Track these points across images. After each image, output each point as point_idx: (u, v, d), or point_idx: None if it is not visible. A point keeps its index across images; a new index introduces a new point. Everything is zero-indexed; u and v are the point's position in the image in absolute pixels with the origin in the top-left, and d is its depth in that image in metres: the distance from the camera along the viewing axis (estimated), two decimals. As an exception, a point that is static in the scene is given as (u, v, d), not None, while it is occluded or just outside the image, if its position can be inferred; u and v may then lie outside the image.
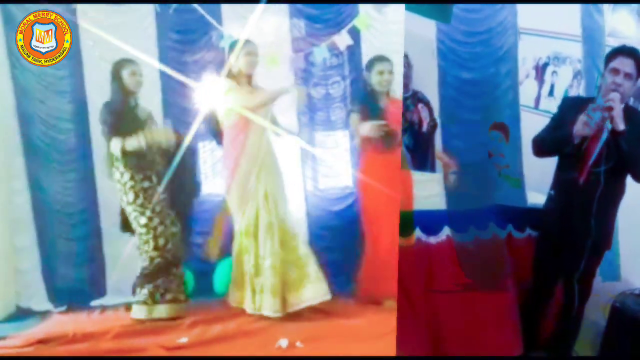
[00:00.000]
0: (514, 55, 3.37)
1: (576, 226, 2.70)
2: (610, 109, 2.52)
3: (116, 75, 3.51)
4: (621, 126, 2.52)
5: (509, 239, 3.22)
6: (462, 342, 3.00)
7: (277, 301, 3.42)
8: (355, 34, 4.03)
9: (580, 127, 2.60)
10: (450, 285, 3.09)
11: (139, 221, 3.52)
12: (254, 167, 3.49)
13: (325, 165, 4.20)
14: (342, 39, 4.02)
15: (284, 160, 3.66)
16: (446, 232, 3.17)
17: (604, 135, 2.59)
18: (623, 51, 2.66)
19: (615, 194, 2.73)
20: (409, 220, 3.13)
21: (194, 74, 4.06)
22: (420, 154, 3.72)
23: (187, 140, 3.49)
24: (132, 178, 3.49)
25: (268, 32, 4.02)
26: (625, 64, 2.61)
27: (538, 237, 3.02)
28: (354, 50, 4.08)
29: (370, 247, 3.66)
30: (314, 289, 3.51)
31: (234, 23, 4.02)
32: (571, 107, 2.85)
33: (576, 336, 2.91)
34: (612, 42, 3.16)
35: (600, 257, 2.84)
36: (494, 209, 3.24)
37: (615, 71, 2.62)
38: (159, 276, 3.55)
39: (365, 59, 4.05)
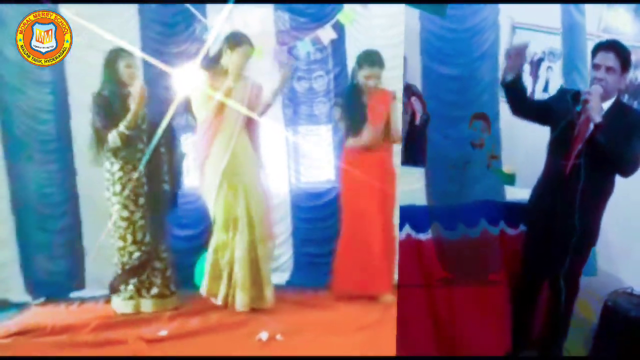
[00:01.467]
0: (495, 52, 3.40)
1: (560, 222, 2.70)
2: (586, 101, 2.55)
3: (111, 65, 3.48)
4: (597, 119, 2.52)
5: (502, 236, 3.17)
6: (447, 338, 2.99)
7: (245, 296, 3.41)
8: (339, 28, 4.02)
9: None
10: (429, 280, 3.08)
11: (120, 214, 3.49)
12: (222, 160, 3.42)
13: (309, 159, 4.21)
14: (326, 33, 4.01)
15: (264, 153, 3.64)
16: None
17: (590, 128, 2.60)
18: (603, 45, 2.67)
19: (600, 189, 2.71)
20: None
21: (176, 66, 4.06)
22: (413, 148, 3.72)
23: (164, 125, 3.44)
24: (121, 168, 3.46)
25: (252, 24, 4.01)
26: (606, 58, 2.61)
27: (525, 233, 3.01)
28: (338, 45, 4.07)
29: (352, 242, 3.66)
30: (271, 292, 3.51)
31: (218, 15, 4.00)
32: (562, 97, 2.86)
33: (565, 335, 2.87)
34: (607, 38, 3.15)
35: (586, 254, 2.83)
36: (485, 205, 3.20)
37: (597, 66, 2.63)
38: (140, 271, 3.53)
39: (349, 53, 4.05)
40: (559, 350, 2.88)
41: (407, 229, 3.04)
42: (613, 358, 2.88)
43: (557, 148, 2.75)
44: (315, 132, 4.22)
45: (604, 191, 2.73)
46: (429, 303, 3.01)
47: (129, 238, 3.50)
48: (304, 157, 4.23)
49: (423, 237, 3.05)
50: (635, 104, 3.42)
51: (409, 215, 3.06)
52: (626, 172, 2.66)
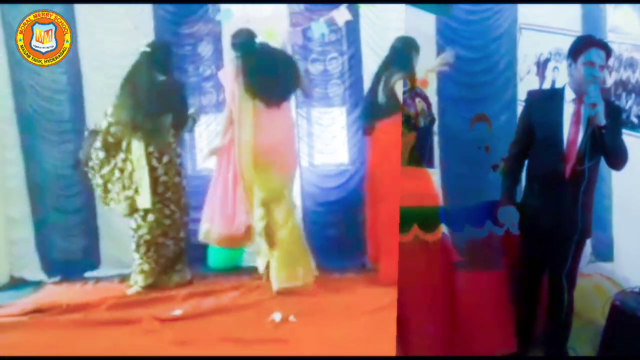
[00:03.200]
0: (513, 32, 3.35)
1: (564, 223, 2.63)
2: (594, 105, 2.47)
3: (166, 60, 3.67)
4: (603, 122, 2.44)
5: (507, 236, 3.13)
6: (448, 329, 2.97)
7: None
8: (354, 9, 3.96)
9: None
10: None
11: (175, 200, 3.60)
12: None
13: (321, 142, 4.18)
14: (341, 15, 3.91)
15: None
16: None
17: (588, 132, 2.52)
18: (595, 43, 2.54)
19: (594, 183, 2.64)
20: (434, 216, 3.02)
21: (189, 46, 4.05)
22: (417, 149, 3.68)
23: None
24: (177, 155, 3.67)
25: (266, 5, 3.98)
26: (599, 55, 2.51)
27: (522, 233, 2.96)
28: (352, 26, 4.01)
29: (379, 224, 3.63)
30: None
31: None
32: (537, 99, 2.77)
33: (569, 330, 2.84)
34: (613, 38, 3.08)
35: (583, 248, 2.76)
36: (490, 206, 3.15)
37: (592, 64, 2.50)
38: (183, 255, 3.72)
39: (363, 35, 4.01)
40: (564, 349, 2.85)
41: (415, 229, 3.00)
42: (621, 358, 2.85)
43: (547, 149, 2.65)
44: (328, 114, 4.18)
45: (594, 184, 2.67)
46: (432, 293, 3.01)
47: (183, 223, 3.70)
48: (317, 140, 4.20)
49: (430, 237, 3.00)
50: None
51: (417, 216, 3.02)
52: (621, 167, 2.60)
